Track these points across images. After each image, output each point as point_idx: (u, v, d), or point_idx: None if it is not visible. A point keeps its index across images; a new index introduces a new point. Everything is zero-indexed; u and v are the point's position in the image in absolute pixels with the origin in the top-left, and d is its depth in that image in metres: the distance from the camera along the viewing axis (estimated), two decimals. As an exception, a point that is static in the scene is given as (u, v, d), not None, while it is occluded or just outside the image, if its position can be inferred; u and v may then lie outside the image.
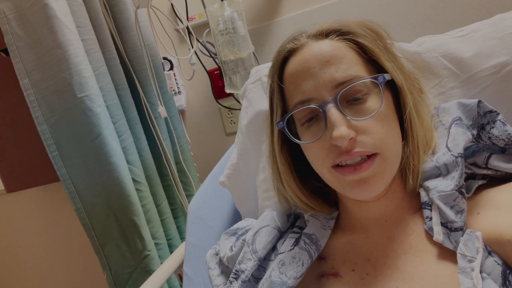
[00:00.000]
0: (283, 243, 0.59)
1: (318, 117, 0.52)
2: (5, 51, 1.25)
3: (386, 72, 0.52)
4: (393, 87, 0.53)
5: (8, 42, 0.94)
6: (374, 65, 0.53)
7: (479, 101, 0.53)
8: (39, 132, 0.97)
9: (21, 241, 1.83)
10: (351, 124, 0.48)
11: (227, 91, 1.17)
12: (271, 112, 0.59)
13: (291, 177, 0.59)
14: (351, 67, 0.50)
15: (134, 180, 1.05)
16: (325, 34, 0.53)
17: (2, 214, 1.81)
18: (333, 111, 0.48)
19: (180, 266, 0.95)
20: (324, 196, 0.61)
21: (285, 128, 0.54)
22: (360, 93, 0.49)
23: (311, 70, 0.50)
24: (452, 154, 0.50)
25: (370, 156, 0.48)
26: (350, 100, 0.49)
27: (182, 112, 1.47)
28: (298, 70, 0.52)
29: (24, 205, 1.75)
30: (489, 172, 0.53)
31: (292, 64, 0.53)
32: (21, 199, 1.73)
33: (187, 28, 1.22)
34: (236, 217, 0.80)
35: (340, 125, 0.46)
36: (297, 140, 0.54)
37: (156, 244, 1.10)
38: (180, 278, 1.01)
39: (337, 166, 0.50)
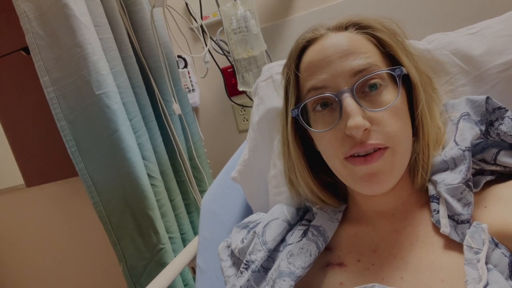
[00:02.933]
0: (292, 235, 0.61)
1: (332, 107, 0.52)
2: (25, 50, 1.29)
3: (403, 66, 0.52)
4: (407, 83, 0.54)
5: (29, 41, 0.97)
6: (391, 59, 0.53)
7: (488, 98, 0.53)
8: (59, 128, 1.00)
9: (40, 234, 1.87)
10: (366, 115, 0.48)
11: (240, 89, 1.19)
12: (286, 101, 0.59)
13: (304, 167, 0.59)
14: (370, 57, 0.50)
15: (149, 176, 1.08)
16: (344, 27, 0.54)
17: (22, 208, 1.86)
18: (349, 101, 0.48)
19: (193, 259, 0.97)
20: (333, 190, 0.62)
21: (299, 116, 0.54)
22: (376, 81, 0.50)
23: (328, 58, 0.51)
24: (459, 148, 0.50)
25: (381, 148, 0.49)
26: (365, 90, 0.50)
27: (195, 109, 1.49)
28: (316, 58, 0.52)
29: (43, 199, 1.80)
30: (498, 168, 0.53)
31: (310, 53, 0.54)
32: (41, 193, 1.78)
33: (201, 26, 1.24)
34: (248, 211, 0.82)
35: (356, 115, 0.47)
36: (312, 129, 0.54)
37: (170, 238, 1.13)
38: (193, 271, 1.03)
39: (349, 157, 0.50)
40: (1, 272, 2.05)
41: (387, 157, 0.49)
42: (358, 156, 0.49)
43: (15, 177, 1.58)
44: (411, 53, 0.56)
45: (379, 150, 0.48)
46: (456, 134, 0.53)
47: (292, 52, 0.58)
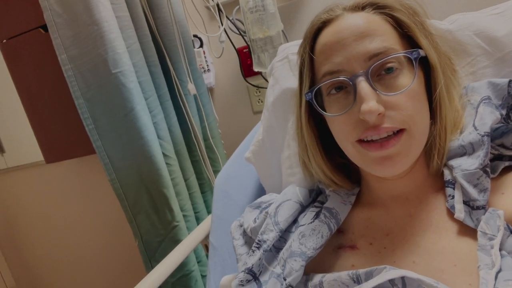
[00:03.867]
0: (304, 217, 0.61)
1: (346, 90, 0.51)
2: (44, 27, 1.30)
3: (421, 48, 0.51)
4: (425, 66, 0.52)
5: (47, 18, 0.98)
6: (409, 41, 0.52)
7: (510, 81, 0.51)
8: (77, 106, 1.01)
9: (59, 209, 1.93)
10: (380, 99, 0.47)
11: (255, 69, 1.18)
12: (300, 83, 0.59)
13: (317, 149, 0.59)
14: (386, 40, 0.49)
15: (164, 155, 1.09)
16: (361, 7, 0.53)
17: (41, 183, 1.91)
18: (363, 85, 0.47)
19: (207, 237, 0.99)
20: (347, 173, 0.62)
21: (313, 100, 0.54)
22: (393, 64, 0.48)
23: (344, 41, 0.50)
24: (478, 133, 0.49)
25: (397, 133, 0.48)
26: (381, 74, 0.49)
27: (210, 89, 1.49)
28: (331, 40, 0.51)
29: (62, 175, 1.84)
30: None
31: (325, 35, 0.53)
32: (60, 170, 1.82)
33: (217, 5, 1.22)
34: (260, 192, 0.82)
35: (370, 99, 0.46)
36: (324, 112, 0.53)
37: (184, 216, 1.15)
38: (206, 248, 1.05)
39: (362, 141, 0.50)
40: (20, 246, 2.13)
41: (404, 139, 0.48)
42: (372, 141, 0.48)
43: (35, 153, 1.62)
44: (431, 33, 0.54)
45: (394, 135, 0.48)
46: (476, 119, 0.51)
47: (307, 34, 0.57)
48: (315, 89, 0.54)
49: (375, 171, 0.51)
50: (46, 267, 2.11)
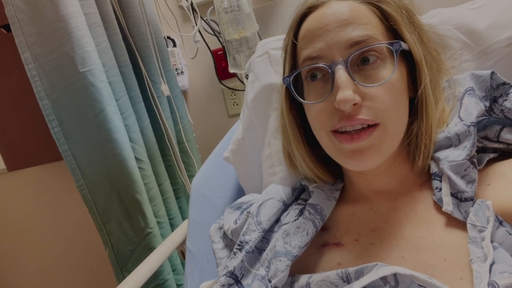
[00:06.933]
0: (287, 215, 0.59)
1: (325, 78, 0.50)
2: (6, 27, 1.23)
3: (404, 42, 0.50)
4: (410, 62, 0.51)
5: (9, 14, 0.92)
6: (395, 34, 0.51)
7: (492, 73, 0.51)
8: (41, 107, 0.95)
9: (22, 220, 1.83)
10: (358, 90, 0.46)
11: (231, 70, 1.16)
12: (283, 70, 0.58)
13: (299, 139, 0.58)
14: (369, 29, 0.48)
15: (136, 159, 1.05)
16: None
17: (3, 193, 1.81)
18: (341, 73, 0.46)
19: (182, 243, 0.95)
20: (330, 168, 0.60)
21: (291, 85, 0.52)
22: (373, 55, 0.47)
23: (326, 26, 0.48)
24: (464, 124, 0.49)
25: (371, 126, 0.47)
26: (361, 64, 0.48)
27: (184, 93, 1.46)
28: (314, 26, 0.50)
29: (25, 184, 1.75)
30: (500, 145, 0.51)
31: (310, 20, 0.51)
32: (23, 178, 1.73)
33: (191, 5, 1.20)
34: (239, 193, 0.79)
35: (346, 88, 0.45)
36: (300, 99, 0.52)
37: (158, 222, 1.10)
38: (183, 254, 1.01)
39: (336, 132, 0.48)
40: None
41: (377, 134, 0.47)
42: (346, 132, 0.47)
43: (-4, 161, 1.54)
44: (421, 28, 0.54)
45: (367, 128, 0.47)
46: (461, 110, 0.51)
47: (292, 20, 0.55)
48: (294, 74, 0.52)
49: (347, 164, 0.50)
50: (6, 282, 1.99)
